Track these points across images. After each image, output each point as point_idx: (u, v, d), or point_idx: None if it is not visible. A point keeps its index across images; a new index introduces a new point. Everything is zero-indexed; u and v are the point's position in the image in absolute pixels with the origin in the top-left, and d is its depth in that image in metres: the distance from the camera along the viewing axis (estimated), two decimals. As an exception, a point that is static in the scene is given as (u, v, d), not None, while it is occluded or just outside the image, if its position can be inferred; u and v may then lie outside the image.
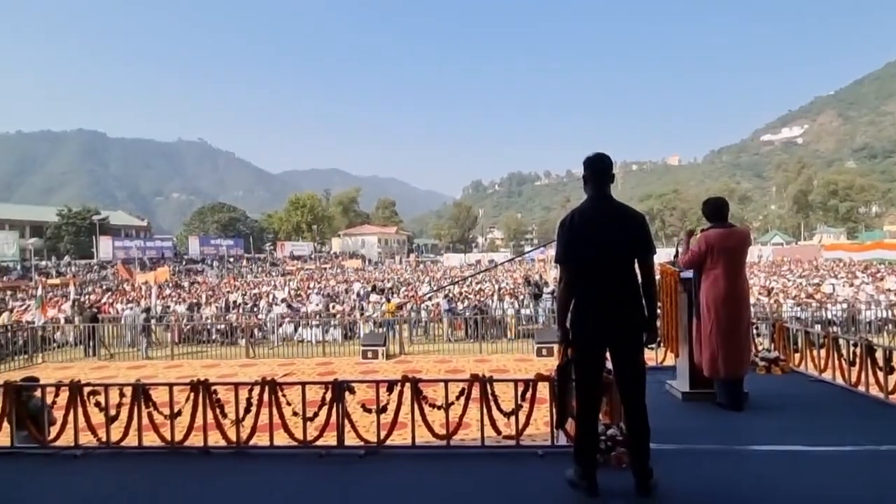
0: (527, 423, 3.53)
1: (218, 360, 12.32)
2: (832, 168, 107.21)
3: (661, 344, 5.29)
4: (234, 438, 3.63)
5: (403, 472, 3.24)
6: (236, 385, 3.75)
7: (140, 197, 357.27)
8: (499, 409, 3.53)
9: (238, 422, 3.60)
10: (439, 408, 3.59)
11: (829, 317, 12.66)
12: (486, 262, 54.31)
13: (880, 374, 4.40)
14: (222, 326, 14.69)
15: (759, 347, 6.26)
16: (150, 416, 3.70)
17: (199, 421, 3.65)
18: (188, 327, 14.71)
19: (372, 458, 3.43)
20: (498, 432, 3.52)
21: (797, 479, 2.93)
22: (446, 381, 3.67)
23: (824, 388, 4.95)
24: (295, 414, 3.63)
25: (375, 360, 11.28)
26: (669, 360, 5.41)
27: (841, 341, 5.10)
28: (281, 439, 3.67)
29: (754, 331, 6.79)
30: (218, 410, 3.65)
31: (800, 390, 4.89)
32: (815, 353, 5.51)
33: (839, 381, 4.96)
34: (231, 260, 53.19)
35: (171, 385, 3.80)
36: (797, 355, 5.85)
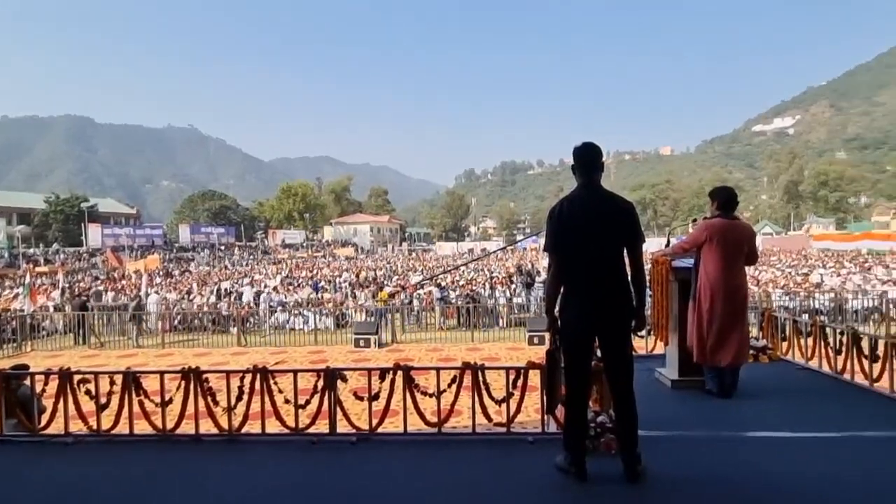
0: (518, 411, 3.55)
1: (209, 348, 12.30)
2: (823, 158, 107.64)
3: (651, 332, 5.34)
4: (225, 426, 3.63)
5: (395, 459, 3.26)
6: (228, 373, 3.75)
7: (129, 184, 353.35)
8: (490, 396, 3.55)
9: (230, 410, 3.61)
10: (431, 395, 3.61)
11: (817, 306, 12.82)
12: (479, 250, 54.38)
13: (865, 363, 4.46)
14: (219, 313, 14.63)
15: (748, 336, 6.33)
16: (140, 404, 3.69)
17: (190, 409, 3.65)
18: (179, 316, 14.65)
19: (364, 444, 3.45)
20: (489, 419, 3.55)
21: (783, 465, 2.98)
22: (438, 369, 3.69)
23: (811, 376, 5.02)
24: (287, 402, 3.64)
25: (368, 348, 11.31)
26: (659, 349, 5.47)
27: (828, 330, 5.17)
28: (273, 427, 3.68)
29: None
30: (209, 398, 3.65)
31: (787, 378, 4.96)
32: (802, 341, 5.58)
33: (825, 368, 5.03)
34: (222, 248, 52.88)
35: (161, 373, 3.79)
36: (785, 344, 5.93)
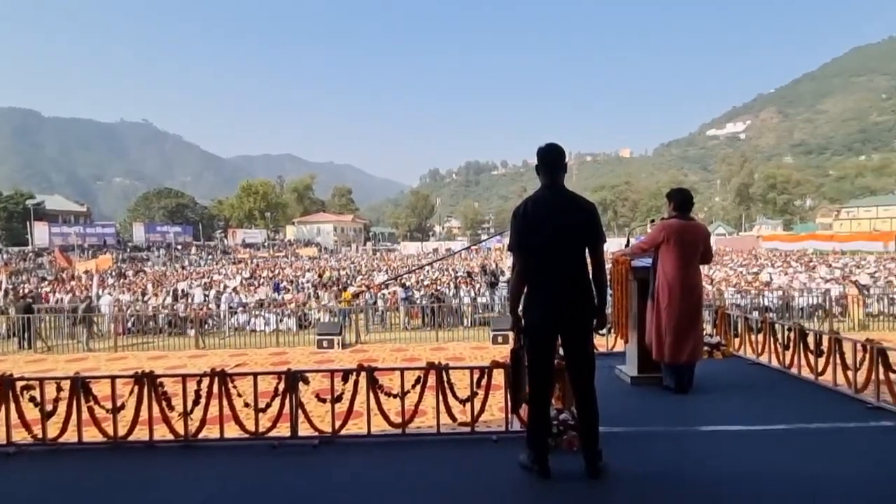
0: (482, 410, 3.57)
1: (165, 351, 11.87)
2: (772, 162, 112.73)
3: (612, 330, 5.46)
4: (181, 432, 3.51)
5: (358, 461, 3.22)
6: (184, 377, 3.62)
7: (79, 181, 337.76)
8: (454, 396, 3.55)
9: (186, 414, 3.49)
10: (395, 396, 3.58)
11: (766, 304, 13.39)
12: (444, 250, 54.46)
13: (811, 357, 4.69)
14: (176, 315, 14.13)
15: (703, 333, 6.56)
16: (90, 410, 3.52)
17: (143, 415, 3.51)
18: (133, 318, 14.08)
19: (326, 447, 3.40)
20: (453, 419, 3.55)
21: (735, 458, 3.10)
22: (402, 370, 3.67)
23: (761, 371, 5.24)
24: (247, 405, 3.54)
25: (331, 349, 11.15)
26: (619, 346, 5.60)
27: (776, 327, 5.40)
28: (232, 431, 3.58)
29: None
30: (164, 403, 3.52)
31: (739, 373, 5.16)
32: (753, 337, 5.82)
33: (775, 363, 5.26)
34: (179, 247, 51.19)
35: (113, 378, 3.63)
36: (737, 340, 6.17)
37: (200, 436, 3.55)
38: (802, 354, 4.81)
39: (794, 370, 4.92)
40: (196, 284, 20.27)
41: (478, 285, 17.81)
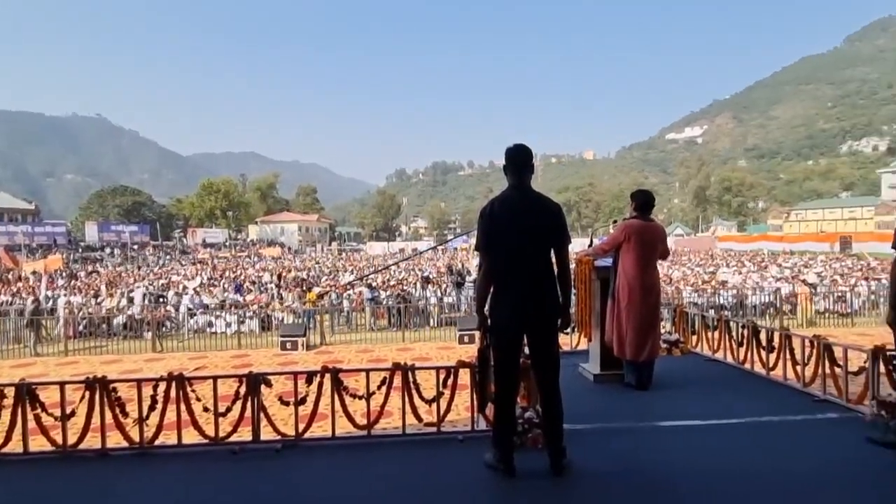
0: (448, 410, 3.57)
1: (120, 355, 11.43)
2: (727, 166, 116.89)
3: (576, 329, 5.55)
4: (136, 439, 3.38)
5: (323, 464, 3.18)
6: (139, 381, 3.49)
7: (28, 177, 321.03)
8: (420, 396, 3.54)
9: (141, 421, 3.36)
10: (360, 398, 3.54)
11: (722, 302, 13.89)
12: (410, 250, 54.33)
13: (763, 353, 4.89)
14: (132, 317, 13.60)
15: (662, 331, 6.75)
16: (37, 418, 3.35)
17: (95, 422, 3.36)
18: (85, 320, 13.49)
19: (290, 451, 3.33)
20: (419, 420, 3.54)
21: (692, 451, 3.20)
22: (368, 371, 3.63)
23: (717, 367, 5.43)
24: (206, 410, 3.44)
25: (295, 351, 10.97)
26: (583, 345, 5.70)
27: (731, 324, 5.61)
28: (191, 437, 3.47)
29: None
30: (118, 409, 3.38)
31: (696, 369, 5.33)
32: (709, 335, 6.03)
33: (730, 359, 5.46)
34: (135, 248, 49.36)
35: (62, 384, 3.46)
36: (695, 337, 6.38)
37: (157, 442, 3.43)
38: (755, 351, 5.01)
39: (747, 366, 5.12)
40: (138, 286, 19.42)
41: (444, 285, 17.83)
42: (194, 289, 17.94)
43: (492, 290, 2.79)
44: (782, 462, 3.00)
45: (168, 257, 45.21)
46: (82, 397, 3.36)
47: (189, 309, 14.32)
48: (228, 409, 3.42)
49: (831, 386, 4.08)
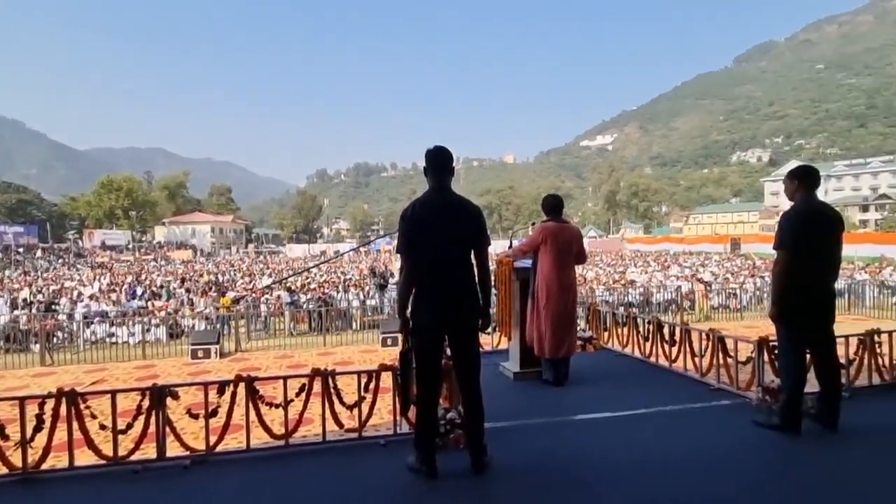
0: (370, 414, 3.52)
1: (1, 370, 10.22)
2: (634, 173, 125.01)
3: (496, 329, 5.68)
4: (18, 464, 3.02)
5: (236, 479, 3.01)
6: (22, 399, 3.12)
7: None
8: (341, 402, 3.46)
9: (25, 443, 3.01)
10: (277, 406, 3.41)
11: (630, 300, 14.80)
12: (332, 252, 53.15)
13: (667, 347, 5.26)
14: (17, 327, 12.18)
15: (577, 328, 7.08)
16: None
17: (-33, 447, 2.97)
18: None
19: (199, 467, 3.13)
20: (340, 426, 3.46)
21: (604, 442, 3.37)
22: (285, 378, 3.50)
23: (627, 361, 5.76)
24: (103, 427, 3.15)
25: (207, 359, 10.34)
26: (504, 344, 5.84)
27: (638, 320, 5.99)
28: (85, 459, 3.16)
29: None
30: (-4, 432, 3.01)
31: (608, 364, 5.63)
32: (619, 331, 6.40)
33: (637, 354, 5.82)
34: (20, 250, 44.42)
35: (-76, 406, 3.03)
36: (606, 334, 6.74)
37: (44, 466, 3.09)
38: (659, 345, 5.38)
39: (653, 359, 5.48)
40: (38, 292, 17.67)
41: (367, 288, 17.60)
42: (91, 295, 16.44)
43: (413, 292, 2.78)
44: (682, 448, 3.24)
45: (60, 261, 41.13)
46: (-50, 421, 2.96)
47: (85, 317, 13.09)
48: (129, 426, 3.15)
49: (724, 375, 4.47)
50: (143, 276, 24.84)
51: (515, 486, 2.76)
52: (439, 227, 2.73)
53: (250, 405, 3.32)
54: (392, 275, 19.57)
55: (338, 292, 16.63)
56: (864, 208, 68.28)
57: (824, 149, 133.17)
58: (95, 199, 66.71)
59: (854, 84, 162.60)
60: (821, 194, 3.47)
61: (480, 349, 2.97)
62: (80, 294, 17.15)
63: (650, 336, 5.57)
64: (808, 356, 3.36)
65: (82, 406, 3.12)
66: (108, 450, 3.14)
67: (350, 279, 20.30)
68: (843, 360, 3.78)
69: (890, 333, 4.48)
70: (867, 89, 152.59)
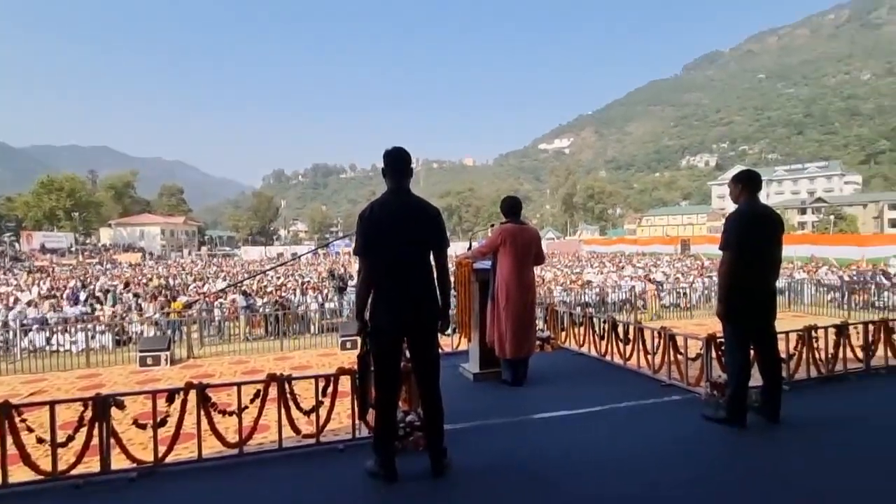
0: (328, 419, 3.46)
1: (-75, 383, 9.50)
2: (590, 176, 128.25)
3: (456, 330, 5.70)
4: (-55, 483, 2.82)
5: (187, 490, 2.90)
6: (-51, 414, 2.91)
7: None
8: (298, 407, 3.39)
9: (-49, 461, 2.81)
10: (231, 413, 3.30)
11: (587, 300, 15.15)
12: (289, 255, 52.08)
13: (621, 345, 5.40)
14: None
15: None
16: None
17: None
18: None
19: (147, 480, 3.00)
20: (298, 432, 3.39)
21: (562, 440, 3.43)
22: (239, 384, 3.39)
23: (584, 360, 5.89)
24: (41, 441, 2.97)
25: (157, 367, 9.93)
26: (464, 345, 5.87)
27: (594, 320, 6.13)
28: (20, 475, 2.97)
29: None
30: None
31: (566, 363, 5.74)
32: (576, 330, 6.53)
33: (593, 352, 5.96)
34: (-51, 254, 41.49)
35: None
36: (563, 333, 6.87)
37: (-26, 485, 2.89)
38: (614, 343, 5.53)
39: (608, 357, 5.62)
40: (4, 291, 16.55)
41: (325, 290, 17.32)
42: (28, 301, 15.51)
43: (371, 294, 2.75)
44: (636, 443, 3.34)
45: (-6, 265, 38.60)
46: None
47: (22, 325, 12.33)
48: (70, 438, 2.99)
49: (675, 371, 4.63)
50: (87, 281, 23.62)
51: (476, 487, 2.77)
52: (398, 229, 2.71)
53: (202, 413, 3.20)
54: (351, 277, 19.33)
55: (295, 295, 16.31)
56: (802, 211, 72.23)
57: (766, 154, 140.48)
58: (34, 199, 62.94)
59: (792, 94, 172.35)
60: (763, 197, 3.64)
61: (440, 351, 2.97)
62: (16, 300, 16.15)
63: (605, 335, 5.72)
64: (752, 352, 3.52)
65: (17, 419, 2.94)
66: (46, 465, 2.96)
67: (308, 282, 19.94)
68: (783, 355, 3.98)
69: (826, 329, 4.75)
70: (804, 99, 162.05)
